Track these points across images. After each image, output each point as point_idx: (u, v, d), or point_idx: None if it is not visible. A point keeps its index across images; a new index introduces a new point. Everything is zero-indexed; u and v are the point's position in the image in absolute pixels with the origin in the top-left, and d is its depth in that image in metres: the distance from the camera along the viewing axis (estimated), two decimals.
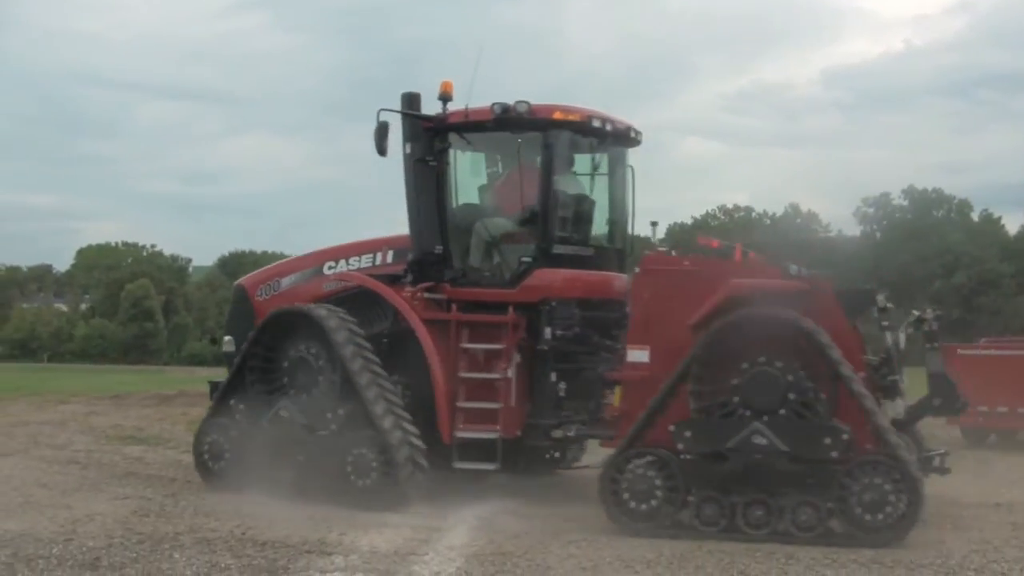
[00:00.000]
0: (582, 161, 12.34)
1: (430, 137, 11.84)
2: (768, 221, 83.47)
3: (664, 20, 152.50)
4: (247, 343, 12.06)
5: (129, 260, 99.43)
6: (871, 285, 10.82)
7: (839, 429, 9.45)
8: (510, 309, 11.51)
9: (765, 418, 9.57)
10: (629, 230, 12.74)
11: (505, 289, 11.63)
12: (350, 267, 12.72)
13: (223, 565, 8.29)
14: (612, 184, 12.59)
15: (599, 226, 12.32)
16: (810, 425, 9.54)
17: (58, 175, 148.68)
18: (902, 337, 10.32)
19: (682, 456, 9.89)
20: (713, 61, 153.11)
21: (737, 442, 9.58)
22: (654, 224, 12.82)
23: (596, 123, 11.80)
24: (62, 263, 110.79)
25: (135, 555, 8.54)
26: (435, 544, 9.23)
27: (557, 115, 11.61)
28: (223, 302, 62.36)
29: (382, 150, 11.52)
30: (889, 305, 10.31)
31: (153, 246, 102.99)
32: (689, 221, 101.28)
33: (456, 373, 11.52)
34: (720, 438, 9.68)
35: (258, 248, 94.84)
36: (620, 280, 12.13)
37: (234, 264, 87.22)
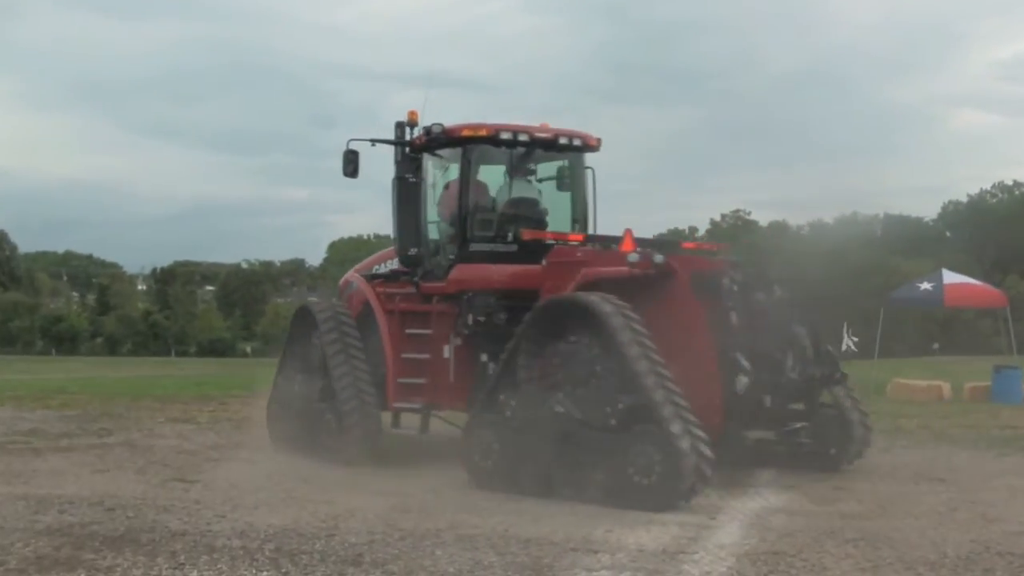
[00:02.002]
0: (541, 169, 14.59)
1: (410, 158, 14.35)
2: None
3: None
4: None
5: None
6: (729, 270, 12.03)
7: (617, 400, 11.06)
8: (433, 299, 14.15)
9: (569, 389, 11.47)
10: (587, 227, 14.54)
11: (439, 283, 14.03)
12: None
13: (486, 563, 8.47)
14: (558, 187, 14.76)
15: (537, 224, 14.08)
16: (597, 396, 11.26)
17: (312, 168, 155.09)
18: (734, 316, 11.56)
19: (509, 422, 11.94)
20: (985, 26, 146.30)
21: (542, 410, 11.56)
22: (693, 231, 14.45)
23: (505, 135, 13.94)
24: (315, 257, 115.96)
25: (397, 552, 8.83)
26: (704, 542, 9.24)
27: (466, 132, 13.90)
28: None
29: (349, 173, 14.29)
30: (734, 287, 11.73)
31: None
32: (964, 199, 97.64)
33: (400, 355, 14.18)
34: (533, 407, 11.69)
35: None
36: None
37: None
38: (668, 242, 14.75)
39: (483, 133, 13.89)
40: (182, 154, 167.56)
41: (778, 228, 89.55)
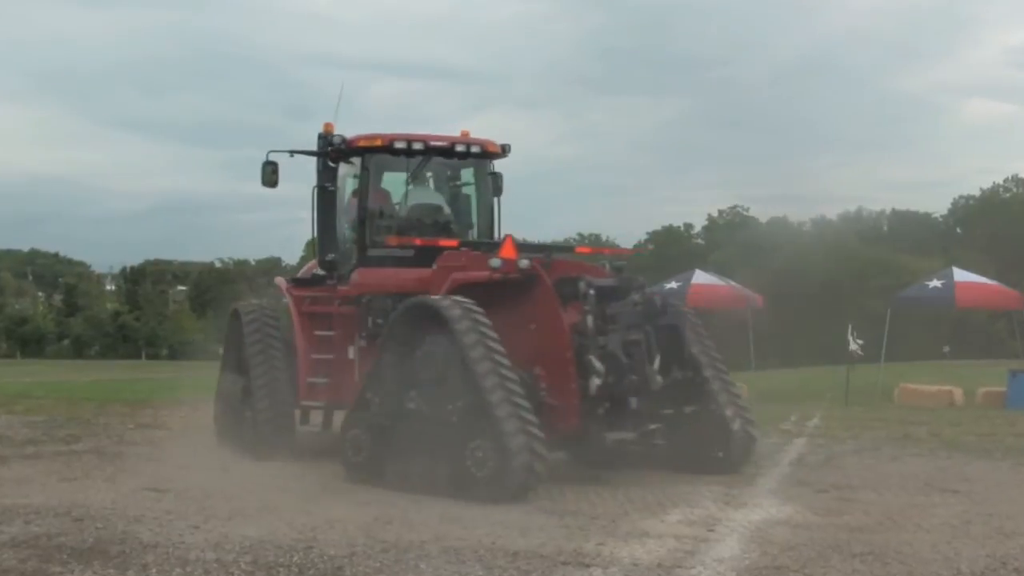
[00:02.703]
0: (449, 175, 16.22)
1: (329, 168, 15.77)
2: None
3: None
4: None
5: None
6: (585, 277, 13.30)
7: (459, 398, 12.18)
8: (335, 302, 15.59)
9: (422, 387, 12.62)
10: (489, 231, 15.99)
11: (344, 287, 15.42)
12: None
13: None
14: (459, 192, 16.24)
15: (438, 229, 15.52)
16: (443, 394, 12.37)
17: (287, 162, 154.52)
18: (590, 320, 12.89)
19: (376, 418, 13.12)
20: (996, 10, 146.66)
21: (399, 407, 12.82)
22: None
23: (399, 145, 15.26)
24: (292, 256, 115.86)
25: (379, 564, 8.82)
26: (702, 556, 9.24)
27: (362, 142, 15.37)
28: None
29: (269, 183, 15.68)
30: (591, 292, 13.02)
31: None
32: (977, 193, 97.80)
33: (310, 355, 15.49)
34: (393, 404, 12.94)
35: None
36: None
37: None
38: (559, 247, 15.75)
39: (378, 143, 15.36)
40: (152, 147, 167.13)
41: (778, 224, 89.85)
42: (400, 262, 14.85)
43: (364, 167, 15.40)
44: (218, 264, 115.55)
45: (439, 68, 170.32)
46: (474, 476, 11.92)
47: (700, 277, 31.00)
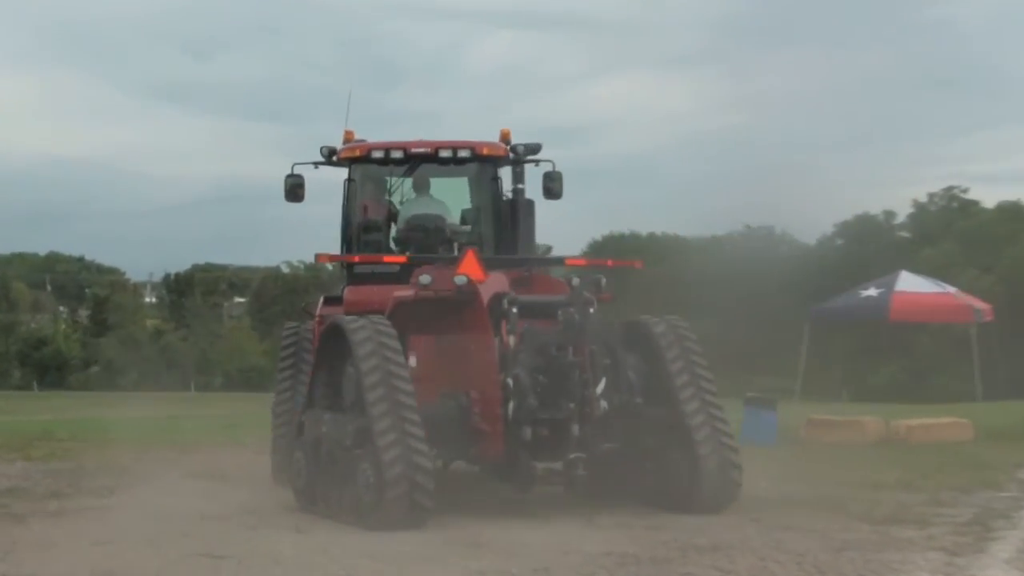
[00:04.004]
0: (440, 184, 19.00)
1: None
2: None
3: None
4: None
5: None
6: (510, 294, 15.30)
7: (352, 421, 14.69)
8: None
9: (335, 409, 15.49)
10: (499, 239, 18.36)
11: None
12: None
13: None
14: (456, 201, 18.98)
15: (437, 241, 17.99)
16: (345, 416, 15.06)
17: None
18: (512, 340, 14.90)
19: (307, 442, 15.91)
20: None
21: (314, 429, 15.77)
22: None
23: (377, 154, 18.21)
24: None
25: None
26: None
27: (344, 153, 18.39)
28: None
29: (294, 198, 18.76)
30: (514, 310, 15.03)
31: None
32: None
33: None
34: (314, 427, 15.83)
35: (642, 229, 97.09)
36: None
37: (611, 250, 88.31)
38: (548, 260, 18.94)
39: (358, 153, 18.19)
40: (200, 122, 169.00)
41: (1010, 211, 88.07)
42: (387, 279, 16.94)
43: (350, 178, 18.60)
44: (285, 269, 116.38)
45: (564, 16, 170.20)
46: (362, 502, 14.25)
47: (907, 281, 29.81)
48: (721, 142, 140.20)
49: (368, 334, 14.70)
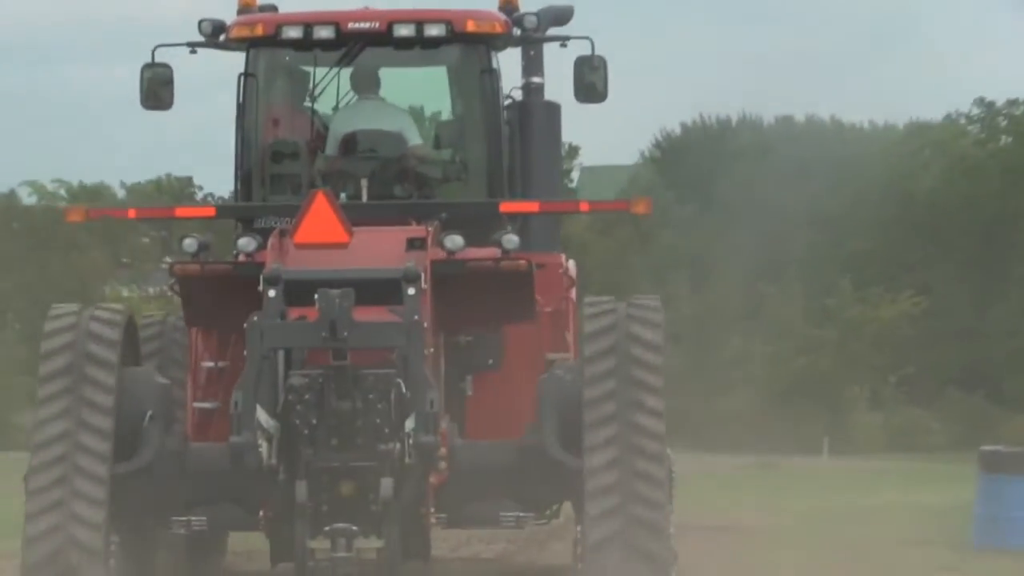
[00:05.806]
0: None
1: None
2: None
3: None
4: None
5: None
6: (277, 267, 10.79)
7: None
8: None
9: None
10: (500, 170, 12.89)
11: None
12: None
13: None
14: (426, 107, 13.82)
15: (394, 174, 12.80)
16: None
17: None
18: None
19: None
20: None
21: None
22: None
23: (293, 33, 12.41)
24: None
25: None
26: None
27: (236, 32, 12.61)
28: None
29: (157, 102, 13.16)
30: (272, 294, 10.57)
31: None
32: None
33: None
34: None
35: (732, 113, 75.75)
36: None
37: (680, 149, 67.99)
38: (462, 204, 12.97)
39: (261, 31, 12.67)
40: None
41: None
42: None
43: (247, 73, 12.86)
44: None
45: None
46: None
47: None
48: None
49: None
